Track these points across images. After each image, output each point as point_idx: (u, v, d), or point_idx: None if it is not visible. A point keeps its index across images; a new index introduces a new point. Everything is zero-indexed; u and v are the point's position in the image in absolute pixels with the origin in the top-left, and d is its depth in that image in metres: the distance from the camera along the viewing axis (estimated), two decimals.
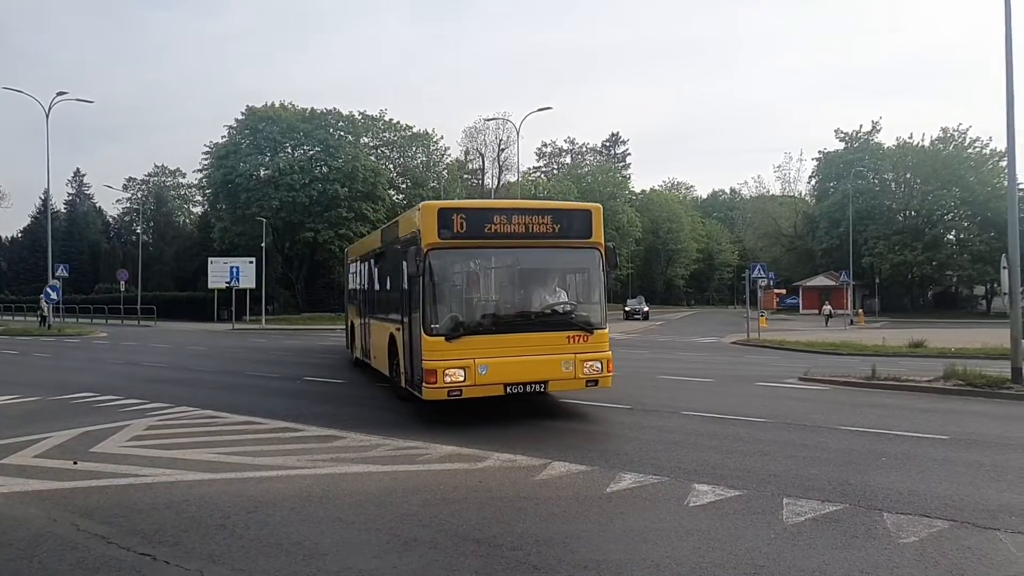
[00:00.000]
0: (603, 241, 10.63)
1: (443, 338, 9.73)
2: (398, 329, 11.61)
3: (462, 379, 9.68)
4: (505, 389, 9.91)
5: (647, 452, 8.49)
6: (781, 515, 6.16)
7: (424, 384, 9.75)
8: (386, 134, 64.35)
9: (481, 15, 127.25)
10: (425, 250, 9.79)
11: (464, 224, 9.92)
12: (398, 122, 64.19)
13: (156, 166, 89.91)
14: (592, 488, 7.09)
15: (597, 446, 8.80)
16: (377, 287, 14.70)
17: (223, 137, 58.96)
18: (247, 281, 46.03)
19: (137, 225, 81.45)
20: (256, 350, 25.78)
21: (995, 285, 54.32)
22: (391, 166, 64.50)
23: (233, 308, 44.56)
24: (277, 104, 59.00)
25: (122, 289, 48.41)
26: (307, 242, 55.40)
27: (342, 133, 58.90)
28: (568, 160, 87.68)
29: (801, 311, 66.72)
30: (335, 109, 59.03)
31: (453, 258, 10.25)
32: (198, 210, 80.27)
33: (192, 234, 72.60)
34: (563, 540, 5.69)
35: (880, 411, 11.65)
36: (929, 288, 69.09)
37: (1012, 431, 9.95)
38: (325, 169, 55.84)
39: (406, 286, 10.85)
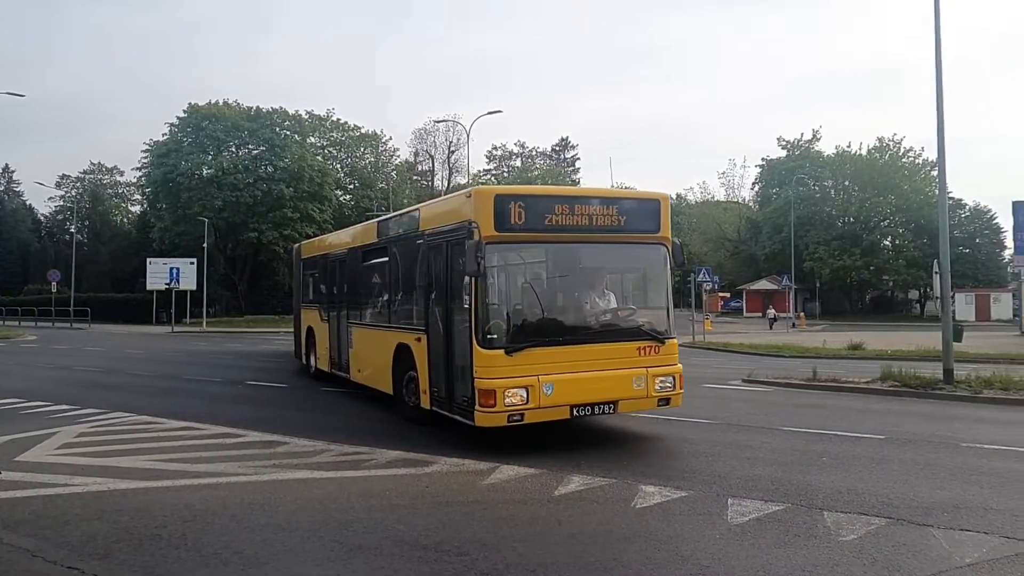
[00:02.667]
0: (670, 236, 9.44)
1: (502, 351, 8.19)
2: (418, 339, 9.81)
3: (524, 401, 8.19)
4: (572, 412, 8.54)
5: (595, 454, 8.51)
6: (726, 515, 6.22)
7: (478, 408, 8.20)
8: (334, 134, 63.58)
9: (430, 17, 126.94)
10: (468, 243, 8.22)
11: (522, 214, 8.45)
12: (346, 122, 63.57)
13: (92, 163, 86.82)
14: (540, 491, 7.05)
15: (545, 449, 8.78)
16: (374, 289, 12.67)
17: (164, 135, 57.45)
18: (187, 283, 44.86)
19: (71, 224, 78.46)
20: (196, 353, 25.10)
21: (928, 289, 56.45)
22: (338, 166, 63.74)
23: (173, 310, 43.35)
24: (221, 102, 57.71)
25: (53, 290, 46.62)
26: (251, 243, 54.32)
27: (288, 132, 58.00)
28: (518, 163, 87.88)
29: (745, 314, 68.19)
30: (281, 108, 58.20)
31: (511, 255, 8.88)
32: (136, 209, 77.77)
33: (130, 234, 70.27)
34: (511, 544, 5.64)
35: (821, 412, 11.94)
36: (867, 292, 71.36)
37: (944, 430, 10.30)
38: (270, 169, 54.87)
39: (437, 288, 9.43)
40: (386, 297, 11.75)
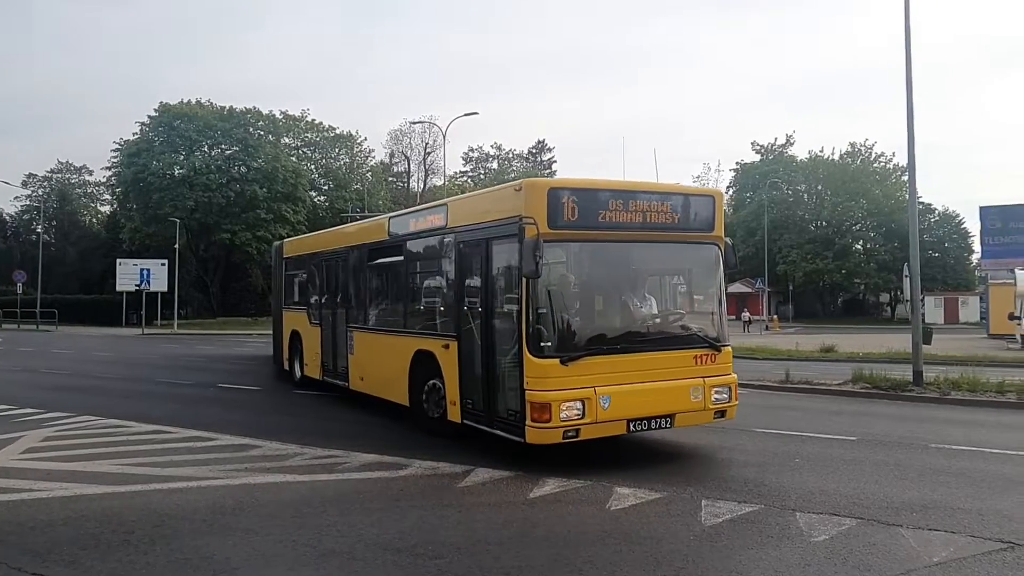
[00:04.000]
0: (723, 235, 8.90)
1: (557, 361, 7.49)
2: (446, 346, 9.05)
3: (580, 415, 7.51)
4: (629, 427, 7.94)
5: (569, 457, 8.50)
6: (700, 516, 6.25)
7: (530, 423, 7.49)
8: (308, 135, 63.08)
9: (407, 18, 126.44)
10: (526, 241, 7.48)
11: (575, 210, 7.76)
12: (321, 123, 63.09)
13: (60, 162, 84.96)
14: (515, 493, 7.04)
15: (520, 451, 8.76)
16: (383, 291, 11.92)
17: (134, 134, 56.56)
18: (158, 284, 44.26)
19: (38, 224, 76.88)
20: (167, 356, 24.73)
21: (899, 292, 57.36)
22: (313, 167, 63.22)
23: (143, 312, 42.73)
24: (193, 101, 56.98)
25: (19, 291, 45.66)
26: (223, 244, 53.72)
27: (262, 133, 57.45)
28: (495, 165, 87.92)
29: None
30: (255, 108, 57.57)
31: (565, 254, 8.02)
32: (106, 209, 76.49)
33: (99, 234, 69.04)
34: (486, 547, 5.62)
35: (794, 413, 12.07)
36: (839, 295, 72.33)
37: (914, 431, 10.46)
38: (244, 169, 54.32)
39: (471, 290, 8.72)
40: (400, 300, 10.91)
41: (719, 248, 8.77)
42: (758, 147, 73.70)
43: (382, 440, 9.46)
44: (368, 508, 6.58)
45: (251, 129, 56.35)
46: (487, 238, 8.37)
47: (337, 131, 63.43)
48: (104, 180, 68.19)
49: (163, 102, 56.13)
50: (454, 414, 8.92)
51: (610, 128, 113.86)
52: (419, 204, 16.01)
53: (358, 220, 18.12)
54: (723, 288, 8.94)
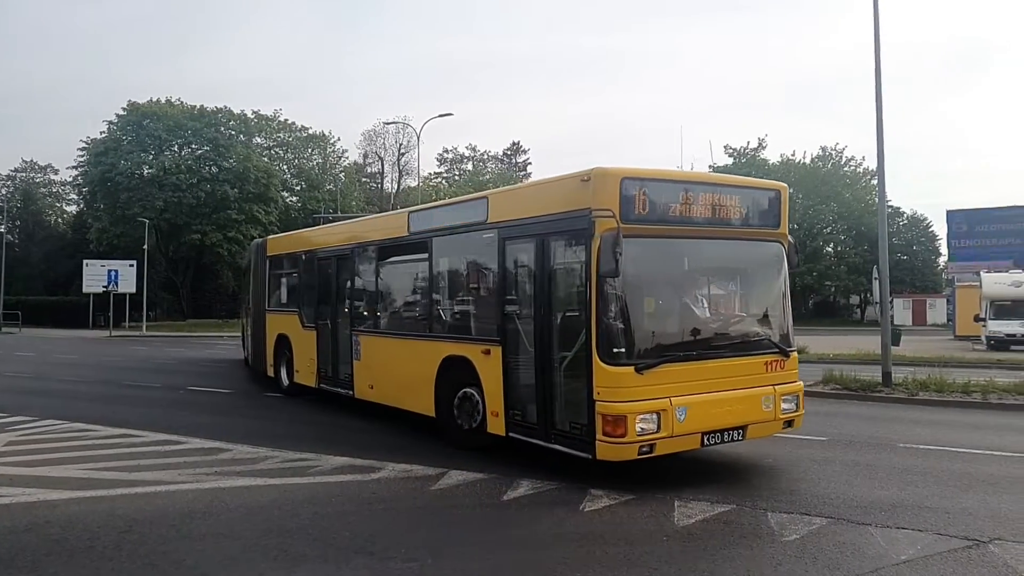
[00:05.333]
0: (788, 233, 8.37)
1: (631, 369, 6.85)
2: (486, 352, 8.33)
3: (655, 429, 6.85)
4: (703, 440, 7.30)
5: (542, 459, 8.49)
6: (673, 517, 6.29)
7: (601, 438, 6.80)
8: (280, 134, 62.44)
9: (381, 19, 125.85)
10: (601, 237, 6.82)
11: (646, 202, 7.09)
12: (293, 123, 62.47)
13: (24, 161, 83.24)
14: (489, 496, 7.02)
15: (494, 454, 8.74)
16: (401, 291, 11.15)
17: (102, 133, 55.52)
18: (127, 285, 43.52)
19: (1, 224, 75.34)
20: (135, 358, 24.32)
21: (868, 295, 58.22)
22: (285, 167, 62.60)
23: (111, 314, 41.96)
24: (163, 100, 56.16)
25: None
26: (194, 245, 52.96)
27: (233, 132, 56.75)
28: (470, 167, 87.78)
29: None
30: (226, 107, 56.84)
31: (638, 250, 7.04)
32: (72, 209, 75.03)
33: (65, 235, 67.71)
34: (459, 550, 5.59)
35: None
36: (810, 297, 73.29)
37: (883, 432, 10.61)
38: (214, 169, 53.59)
39: (522, 291, 8.13)
40: (424, 302, 10.12)
41: (783, 246, 8.27)
42: (730, 150, 74.34)
43: (355, 443, 9.38)
44: (340, 511, 6.52)
45: (222, 129, 55.67)
46: (543, 233, 7.66)
47: (310, 131, 62.89)
48: (70, 179, 66.78)
49: (131, 101, 55.31)
50: (496, 426, 8.20)
51: (585, 130, 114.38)
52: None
53: (331, 221, 17.62)
54: (788, 289, 8.39)
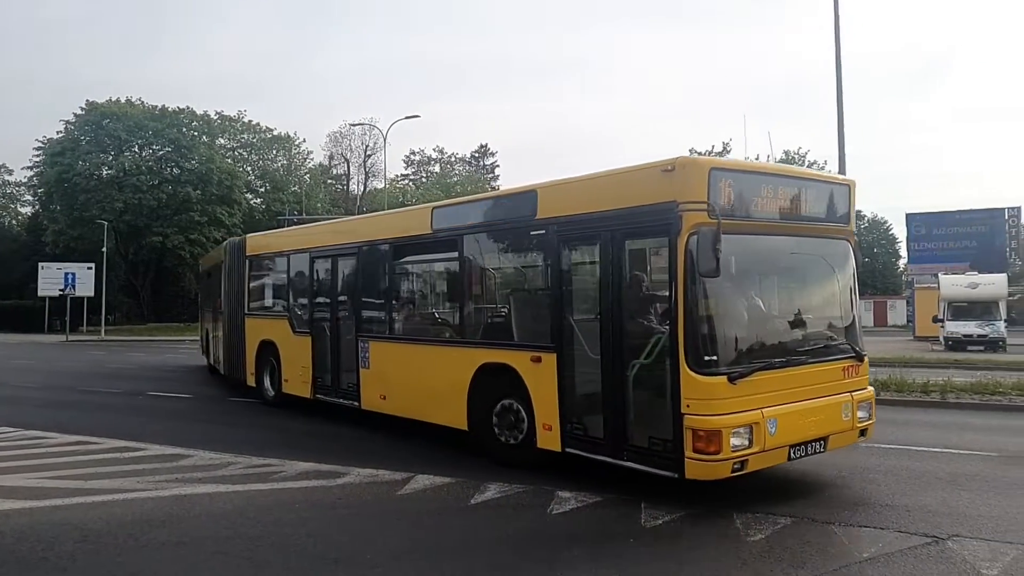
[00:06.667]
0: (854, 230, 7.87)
1: (725, 378, 6.25)
2: (536, 360, 7.66)
3: (747, 444, 6.27)
4: (789, 454, 6.72)
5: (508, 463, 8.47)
6: (640, 519, 6.30)
7: (692, 455, 6.19)
8: (244, 136, 61.59)
9: (347, 19, 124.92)
10: (689, 232, 6.26)
11: (731, 196, 6.56)
12: (258, 124, 61.67)
13: None
14: (457, 499, 6.97)
15: (462, 457, 8.69)
16: (423, 293, 10.66)
17: (59, 132, 54.14)
18: (84, 289, 42.56)
19: None
20: (93, 363, 23.78)
21: None
22: (249, 169, 61.78)
23: (67, 318, 40.95)
24: (123, 99, 55.04)
25: None
26: (154, 247, 51.96)
27: (196, 133, 55.81)
28: (437, 169, 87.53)
29: None
30: (189, 108, 55.88)
31: (727, 248, 6.39)
32: (27, 211, 73.10)
33: (19, 236, 65.88)
34: (426, 555, 5.55)
35: None
36: None
37: None
38: (176, 170, 52.69)
39: (585, 292, 7.57)
40: (454, 305, 9.48)
41: (851, 243, 7.80)
42: (696, 154, 75.51)
43: (320, 448, 9.25)
44: (304, 518, 6.41)
45: (184, 129, 54.69)
46: (609, 229, 7.02)
47: (275, 132, 62.19)
48: (25, 180, 65.12)
49: (90, 100, 54.06)
50: (548, 441, 7.55)
51: (552, 134, 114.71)
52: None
53: (297, 223, 17.30)
54: (857, 288, 7.90)
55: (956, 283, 32.50)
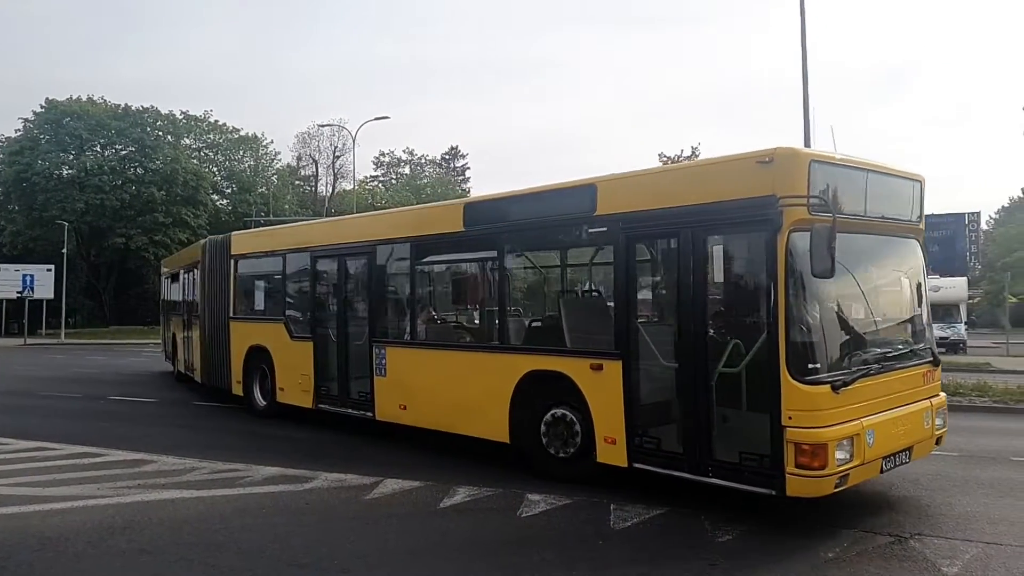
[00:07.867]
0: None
1: (828, 387, 5.80)
2: (596, 367, 7.14)
3: (848, 457, 5.85)
4: (882, 467, 6.37)
5: (478, 466, 8.44)
6: (609, 520, 6.32)
7: (794, 470, 5.75)
8: (210, 136, 60.68)
9: (316, 20, 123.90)
10: (790, 228, 5.84)
11: (829, 191, 6.09)
12: (224, 124, 60.80)
13: None
14: (425, 504, 6.92)
15: (432, 461, 8.64)
16: (461, 296, 10.11)
17: (17, 131, 52.86)
18: (44, 291, 41.49)
19: None
20: (52, 367, 23.22)
21: None
22: (216, 169, 60.92)
23: (25, 320, 39.97)
24: (84, 98, 53.94)
25: None
26: (117, 249, 50.94)
27: (160, 133, 54.90)
28: (407, 171, 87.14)
29: None
30: (153, 107, 54.94)
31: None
32: None
33: None
34: (394, 558, 5.51)
35: None
36: None
37: None
38: (140, 171, 51.79)
39: (664, 296, 7.22)
40: (492, 307, 8.72)
41: (919, 243, 7.41)
42: (665, 158, 76.00)
43: (287, 452, 9.14)
44: (271, 523, 6.33)
45: (148, 129, 53.76)
46: (689, 225, 6.51)
47: (242, 133, 61.39)
48: None
49: (50, 98, 52.85)
50: (612, 455, 7.05)
51: (523, 136, 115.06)
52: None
53: (263, 225, 16.91)
54: (927, 289, 7.56)
55: None
